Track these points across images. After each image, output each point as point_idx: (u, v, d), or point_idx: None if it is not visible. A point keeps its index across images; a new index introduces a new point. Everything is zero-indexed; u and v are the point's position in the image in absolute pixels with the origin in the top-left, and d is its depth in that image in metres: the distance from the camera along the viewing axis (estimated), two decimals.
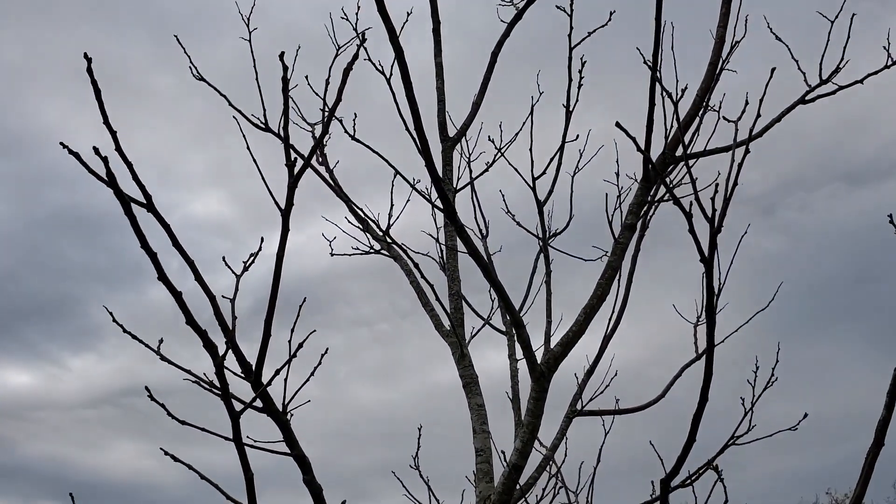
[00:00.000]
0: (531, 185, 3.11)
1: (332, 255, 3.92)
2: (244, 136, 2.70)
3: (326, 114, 3.27)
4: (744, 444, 3.54)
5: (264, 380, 1.83)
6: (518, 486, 3.43)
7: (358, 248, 3.91)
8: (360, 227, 3.84)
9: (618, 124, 1.98)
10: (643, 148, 2.16)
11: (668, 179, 3.07)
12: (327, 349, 2.06)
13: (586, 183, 4.30)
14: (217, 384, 1.78)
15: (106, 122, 1.57)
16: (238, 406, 1.80)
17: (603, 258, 3.36)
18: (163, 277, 1.44)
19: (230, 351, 1.65)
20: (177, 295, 1.46)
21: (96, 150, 1.54)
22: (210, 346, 1.49)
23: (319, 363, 2.03)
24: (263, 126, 3.81)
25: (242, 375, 1.85)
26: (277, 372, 1.64)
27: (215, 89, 4.04)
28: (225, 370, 1.72)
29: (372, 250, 3.87)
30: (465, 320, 3.92)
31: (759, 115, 2.82)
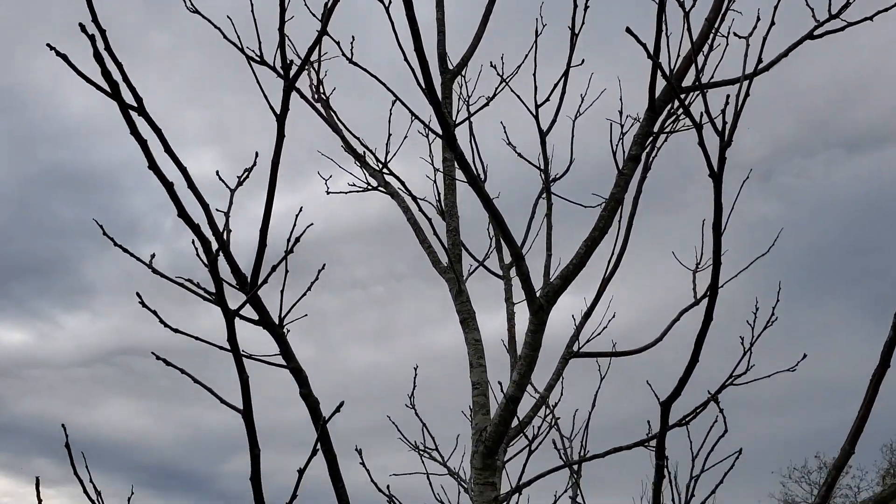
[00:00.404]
0: (534, 113, 3.04)
1: (327, 193, 3.86)
2: (246, 57, 2.59)
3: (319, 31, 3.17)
4: (742, 385, 3.54)
5: (260, 293, 1.78)
6: (517, 420, 3.43)
7: (354, 185, 3.84)
8: (357, 161, 3.76)
9: (628, 30, 1.90)
10: (652, 56, 2.09)
11: (673, 109, 3.00)
12: (324, 265, 2.01)
13: (587, 136, 4.23)
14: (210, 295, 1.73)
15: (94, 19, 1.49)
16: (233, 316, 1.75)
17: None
18: (154, 167, 1.37)
19: (223, 255, 1.59)
20: (169, 186, 1.40)
21: (92, 40, 1.46)
22: (203, 240, 1.44)
23: (316, 278, 1.98)
24: (259, 59, 3.71)
25: (237, 286, 1.80)
26: (274, 268, 1.58)
27: (209, 21, 3.92)
28: (222, 281, 1.67)
29: (369, 187, 3.80)
30: (462, 267, 3.88)
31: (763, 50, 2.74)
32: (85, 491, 2.17)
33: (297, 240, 1.67)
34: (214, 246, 1.46)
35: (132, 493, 2.22)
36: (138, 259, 1.98)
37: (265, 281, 1.57)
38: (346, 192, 3.85)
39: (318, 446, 1.57)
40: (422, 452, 4.46)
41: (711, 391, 3.50)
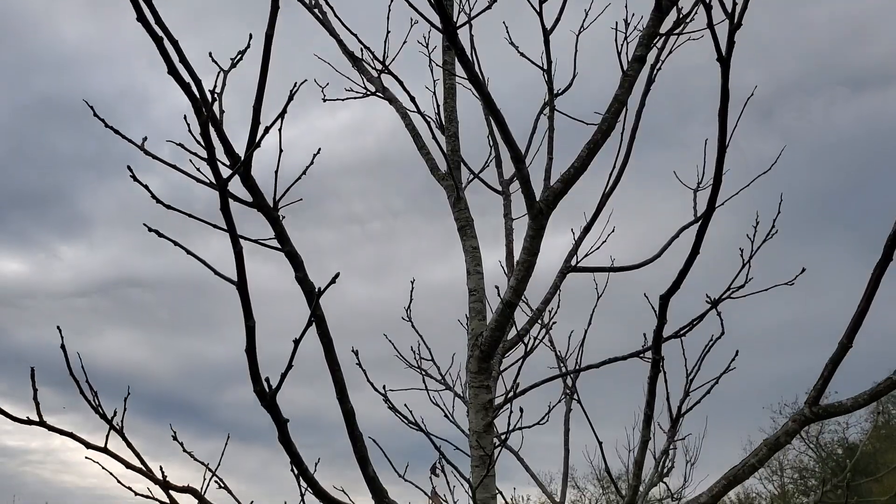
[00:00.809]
0: (538, 9, 2.93)
1: (324, 101, 3.77)
2: None
3: None
4: (740, 298, 3.53)
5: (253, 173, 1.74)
6: (514, 331, 3.43)
7: (352, 90, 3.75)
8: (354, 66, 3.67)
9: None
10: None
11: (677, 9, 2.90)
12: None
13: (590, 62, 4.11)
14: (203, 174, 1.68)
15: None
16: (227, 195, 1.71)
17: None
18: (141, 18, 1.31)
19: (213, 128, 1.54)
20: (158, 41, 1.33)
21: None
22: (193, 99, 1.38)
23: (311, 163, 1.93)
24: None
25: (229, 165, 1.76)
26: (267, 130, 1.53)
27: None
28: (216, 159, 1.62)
29: (367, 93, 3.71)
30: (461, 174, 3.82)
31: None
32: (97, 410, 2.17)
33: (284, 110, 1.62)
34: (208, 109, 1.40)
35: (117, 414, 2.22)
36: (130, 141, 1.93)
37: (258, 145, 1.52)
38: (342, 99, 3.76)
39: (314, 325, 1.55)
40: (419, 370, 4.50)
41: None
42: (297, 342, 1.46)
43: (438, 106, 3.91)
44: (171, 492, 2.16)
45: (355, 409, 1.89)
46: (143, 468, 2.10)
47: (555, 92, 4.11)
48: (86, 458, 2.41)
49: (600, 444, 2.64)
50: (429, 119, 3.25)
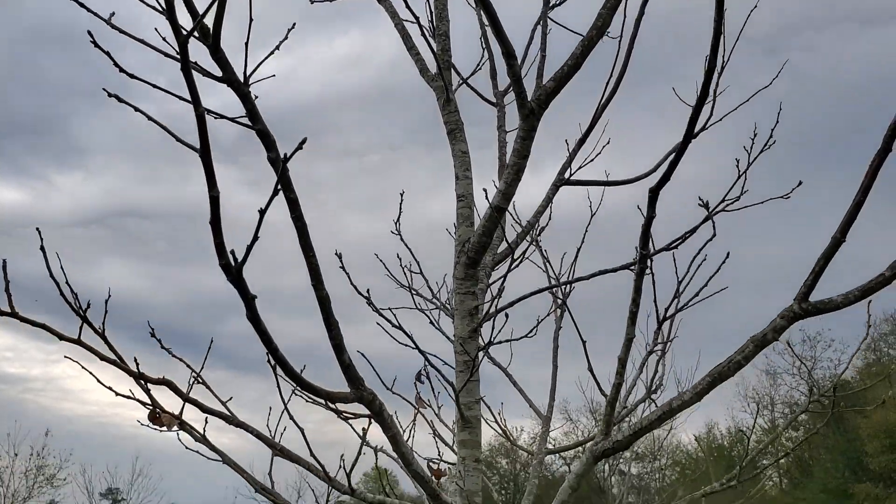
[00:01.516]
0: None
1: (312, 2, 3.61)
2: None
3: None
4: (734, 211, 3.46)
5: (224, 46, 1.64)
6: (505, 244, 3.37)
7: None
8: None
9: None
10: None
11: None
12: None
13: None
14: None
15: None
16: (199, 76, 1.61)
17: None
18: None
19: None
20: None
21: None
22: None
23: (285, 38, 1.83)
24: None
25: (199, 37, 1.66)
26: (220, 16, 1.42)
27: None
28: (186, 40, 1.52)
29: None
30: (451, 76, 3.68)
31: None
32: (71, 305, 2.12)
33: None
34: None
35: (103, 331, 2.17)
36: (108, 54, 1.82)
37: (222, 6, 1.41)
38: (331, 0, 3.60)
39: (280, 189, 1.48)
40: (409, 290, 4.47)
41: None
42: (262, 212, 1.39)
43: (431, 11, 3.75)
44: (148, 384, 2.13)
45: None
46: (117, 360, 2.07)
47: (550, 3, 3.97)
48: (65, 356, 2.38)
49: (584, 342, 2.61)
50: (418, 16, 3.11)
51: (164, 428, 2.63)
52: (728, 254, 3.05)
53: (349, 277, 2.96)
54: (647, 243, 1.98)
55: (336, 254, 2.98)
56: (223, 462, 2.60)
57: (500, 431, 3.87)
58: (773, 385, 43.11)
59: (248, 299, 1.44)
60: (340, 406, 2.03)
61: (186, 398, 2.09)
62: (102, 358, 2.08)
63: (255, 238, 1.39)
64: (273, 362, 1.58)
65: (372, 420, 1.96)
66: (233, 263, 1.41)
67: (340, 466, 2.01)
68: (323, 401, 1.87)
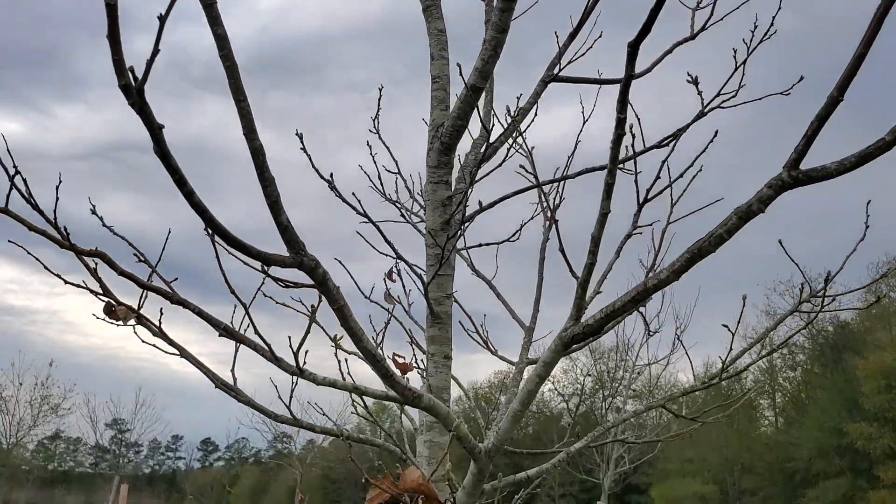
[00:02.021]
0: None
1: None
2: None
3: None
4: (730, 108, 3.25)
5: None
6: (487, 144, 3.18)
7: None
8: None
9: None
10: None
11: None
12: None
13: None
14: None
15: None
16: None
17: None
18: None
19: None
20: None
21: None
22: None
23: None
24: None
25: None
26: None
27: None
28: None
29: None
30: None
31: None
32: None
33: None
34: None
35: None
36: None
37: None
38: None
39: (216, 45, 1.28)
40: (392, 202, 4.30)
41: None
42: (162, 19, 1.20)
43: None
44: (84, 257, 1.98)
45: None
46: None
47: None
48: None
49: (557, 228, 2.44)
50: None
51: (121, 322, 2.50)
52: (717, 132, 2.84)
53: (311, 160, 2.77)
54: (626, 107, 1.79)
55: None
56: (181, 356, 2.48)
57: (482, 342, 3.75)
58: (774, 328, 43.29)
59: (155, 129, 1.27)
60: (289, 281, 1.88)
61: (122, 272, 1.94)
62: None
63: (157, 49, 1.21)
64: (189, 204, 1.41)
65: (322, 298, 1.81)
66: (133, 83, 1.23)
67: (289, 346, 1.87)
68: (258, 264, 1.71)
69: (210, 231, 1.57)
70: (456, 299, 2.85)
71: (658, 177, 2.57)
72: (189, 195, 1.37)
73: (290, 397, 2.49)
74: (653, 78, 3.79)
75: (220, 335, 2.02)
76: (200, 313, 1.94)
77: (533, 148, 3.69)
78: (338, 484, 62.00)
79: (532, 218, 3.52)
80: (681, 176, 2.87)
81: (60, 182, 2.15)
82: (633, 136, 2.93)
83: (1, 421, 36.99)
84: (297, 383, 2.51)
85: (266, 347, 1.90)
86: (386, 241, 2.69)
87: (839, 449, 33.63)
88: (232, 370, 2.60)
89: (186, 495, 68.32)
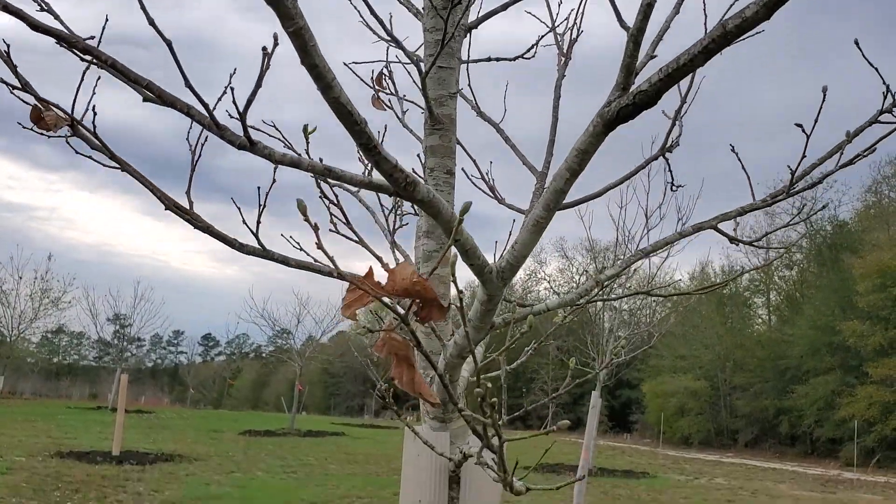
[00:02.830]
0: None
1: None
2: None
3: None
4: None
5: None
6: None
7: None
8: None
9: None
10: None
11: None
12: None
13: None
14: None
15: None
16: None
17: None
18: None
19: None
20: None
21: None
22: None
23: None
24: None
25: None
26: None
27: None
28: None
29: None
30: None
31: None
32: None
33: None
34: None
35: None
36: None
37: None
38: None
39: None
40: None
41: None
42: None
43: None
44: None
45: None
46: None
47: None
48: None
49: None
50: None
51: (50, 132, 2.03)
52: None
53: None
54: None
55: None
56: (122, 170, 2.02)
57: (487, 189, 3.29)
58: (771, 224, 43.16)
59: None
60: None
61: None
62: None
63: None
64: None
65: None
66: None
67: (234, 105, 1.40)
68: None
69: None
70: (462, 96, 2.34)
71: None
72: None
73: (258, 222, 2.04)
74: None
75: (144, 100, 1.55)
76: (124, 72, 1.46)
77: None
78: (337, 378, 63.52)
79: (544, 36, 2.98)
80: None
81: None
82: None
83: (2, 313, 37.19)
84: (264, 206, 2.06)
85: (205, 111, 1.41)
86: (372, 13, 2.17)
87: (830, 347, 34.10)
88: (188, 192, 2.14)
89: (189, 388, 70.11)
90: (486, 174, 3.50)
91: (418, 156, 2.27)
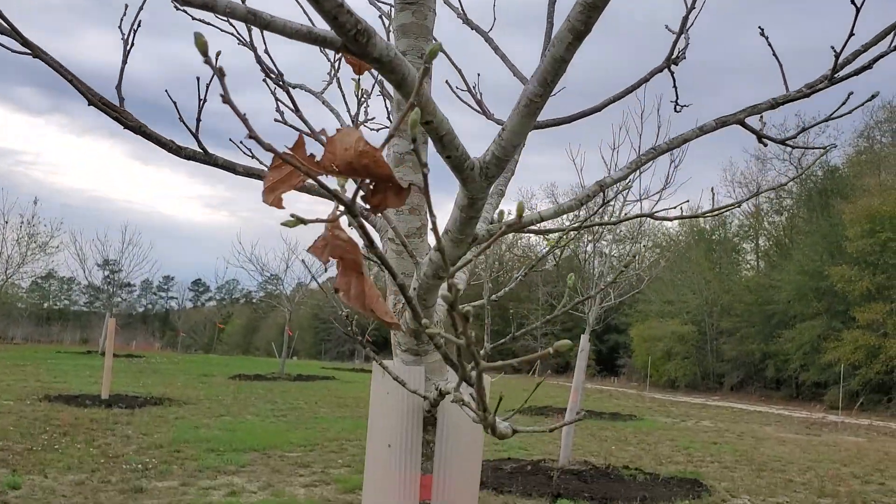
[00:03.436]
0: None
1: None
2: None
3: None
4: None
5: None
6: None
7: None
8: None
9: None
10: None
11: None
12: None
13: None
14: None
15: None
16: None
17: None
18: None
19: None
20: None
21: None
22: None
23: None
24: None
25: None
26: None
27: None
28: None
29: None
30: None
31: None
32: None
33: None
34: None
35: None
36: None
37: None
38: None
39: None
40: None
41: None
42: None
43: None
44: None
45: None
46: None
47: None
48: None
49: None
50: None
51: None
52: None
53: None
54: None
55: None
56: (33, 56, 1.76)
57: (475, 104, 3.00)
58: (762, 170, 42.86)
59: None
60: None
61: None
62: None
63: None
64: None
65: None
66: None
67: None
68: None
69: None
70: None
71: None
72: None
73: (198, 121, 1.75)
74: None
75: None
76: None
77: None
78: (327, 324, 63.67)
79: None
80: None
81: None
82: None
83: None
84: (205, 100, 1.77)
85: None
86: None
87: (818, 292, 34.23)
88: (118, 87, 1.86)
89: (179, 333, 70.20)
90: (473, 87, 3.20)
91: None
